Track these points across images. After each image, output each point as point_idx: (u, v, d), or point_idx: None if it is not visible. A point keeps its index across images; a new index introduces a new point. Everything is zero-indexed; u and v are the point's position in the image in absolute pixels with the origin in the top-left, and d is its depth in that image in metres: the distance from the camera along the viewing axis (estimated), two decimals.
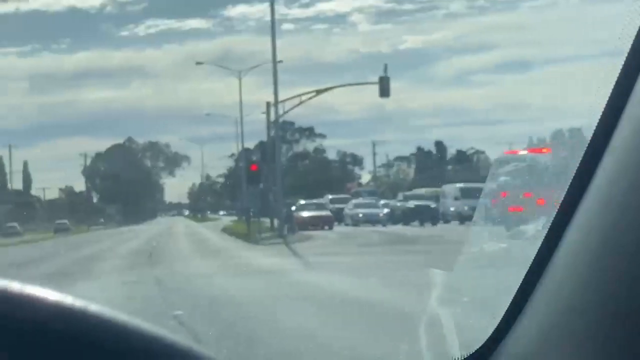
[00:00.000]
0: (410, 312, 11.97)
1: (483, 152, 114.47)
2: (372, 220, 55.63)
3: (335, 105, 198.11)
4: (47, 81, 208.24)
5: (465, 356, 1.96)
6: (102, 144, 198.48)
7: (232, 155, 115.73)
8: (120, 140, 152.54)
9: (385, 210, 58.53)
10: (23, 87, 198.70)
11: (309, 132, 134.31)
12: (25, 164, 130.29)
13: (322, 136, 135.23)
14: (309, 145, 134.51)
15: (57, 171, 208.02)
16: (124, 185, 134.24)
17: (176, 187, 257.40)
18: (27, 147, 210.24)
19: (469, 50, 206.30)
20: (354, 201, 61.35)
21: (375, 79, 42.40)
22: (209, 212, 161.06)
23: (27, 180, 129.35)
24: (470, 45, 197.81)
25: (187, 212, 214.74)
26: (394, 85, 42.94)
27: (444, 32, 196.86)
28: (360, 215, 56.33)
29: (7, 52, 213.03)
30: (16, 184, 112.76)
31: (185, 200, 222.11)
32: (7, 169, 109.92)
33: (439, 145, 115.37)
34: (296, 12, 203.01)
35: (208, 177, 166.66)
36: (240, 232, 46.91)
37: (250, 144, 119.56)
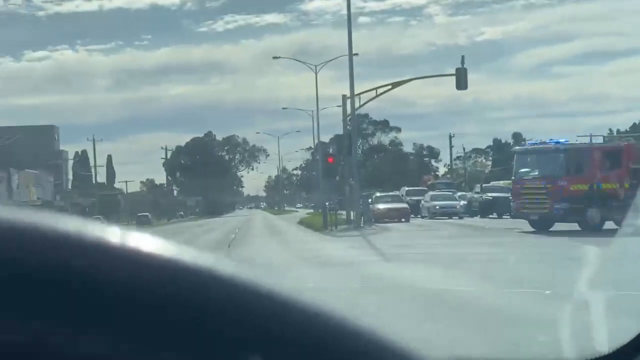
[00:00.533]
0: (495, 304, 11.98)
1: None
2: (448, 212, 55.32)
3: (412, 97, 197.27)
4: (129, 77, 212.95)
5: (611, 352, 1.90)
6: (182, 138, 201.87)
7: (309, 148, 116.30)
8: (200, 134, 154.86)
9: (462, 203, 58.11)
10: (107, 83, 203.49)
11: (384, 124, 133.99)
12: (109, 158, 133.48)
13: (397, 129, 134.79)
14: (385, 138, 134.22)
15: (138, 165, 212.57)
16: (203, 178, 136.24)
17: (254, 180, 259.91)
18: (110, 141, 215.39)
19: (548, 40, 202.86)
20: (430, 193, 61.07)
21: (452, 71, 42.11)
22: (285, 205, 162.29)
23: (110, 173, 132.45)
24: (549, 35, 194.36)
25: (264, 205, 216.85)
26: (471, 77, 42.55)
27: (522, 22, 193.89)
28: (437, 207, 56.06)
29: (91, 50, 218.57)
30: (100, 177, 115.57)
31: (262, 193, 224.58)
32: (91, 163, 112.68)
33: (517, 137, 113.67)
34: (372, 5, 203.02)
35: (285, 170, 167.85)
36: (317, 225, 47.21)
37: (327, 137, 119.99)
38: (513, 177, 36.61)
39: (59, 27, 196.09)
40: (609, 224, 32.34)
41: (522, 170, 35.40)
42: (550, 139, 36.41)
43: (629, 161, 33.65)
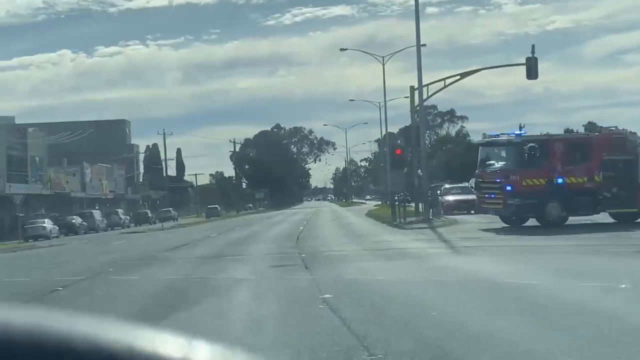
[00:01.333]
0: (572, 300, 11.70)
1: (634, 133, 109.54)
2: None
3: (480, 88, 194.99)
4: (198, 71, 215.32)
5: None
6: (250, 131, 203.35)
7: (377, 139, 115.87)
8: (267, 127, 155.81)
9: None
10: (176, 77, 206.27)
11: (452, 115, 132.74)
12: (179, 151, 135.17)
13: (465, 119, 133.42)
14: (453, 129, 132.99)
15: (207, 157, 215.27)
16: (271, 170, 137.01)
17: (321, 172, 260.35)
18: (180, 134, 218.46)
19: (620, 29, 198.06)
20: None
21: (522, 60, 41.36)
22: (353, 197, 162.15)
23: (180, 166, 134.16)
24: (621, 23, 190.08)
25: (331, 197, 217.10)
26: (541, 66, 41.74)
27: (593, 10, 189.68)
28: None
29: (161, 44, 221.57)
30: (170, 170, 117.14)
31: (329, 185, 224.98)
32: (161, 156, 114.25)
33: (590, 127, 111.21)
34: None
35: (352, 161, 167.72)
36: (385, 216, 47.03)
37: (394, 129, 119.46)
38: (476, 171, 35.46)
39: (130, 23, 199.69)
40: (578, 219, 32.05)
41: (485, 163, 34.26)
42: (515, 132, 34.65)
43: (600, 153, 32.24)
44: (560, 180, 31.80)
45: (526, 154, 32.01)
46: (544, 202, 31.68)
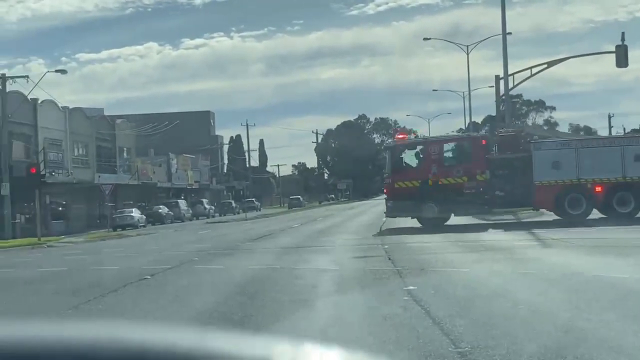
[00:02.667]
0: None
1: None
2: None
3: (568, 76, 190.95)
4: (281, 62, 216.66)
5: None
6: (333, 121, 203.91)
7: (460, 129, 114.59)
8: (350, 117, 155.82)
9: None
10: (260, 69, 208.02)
11: (538, 104, 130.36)
12: (262, 142, 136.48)
13: (552, 108, 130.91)
14: (539, 119, 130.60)
15: (290, 148, 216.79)
16: (353, 161, 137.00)
17: None
18: (263, 125, 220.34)
19: None
20: None
21: (611, 48, 40.31)
22: None
23: (263, 157, 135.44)
24: None
25: None
26: (631, 54, 40.59)
27: None
28: None
29: (245, 36, 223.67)
30: (253, 161, 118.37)
31: None
32: (245, 147, 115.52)
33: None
34: None
35: None
36: None
37: (478, 119, 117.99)
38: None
39: (214, 15, 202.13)
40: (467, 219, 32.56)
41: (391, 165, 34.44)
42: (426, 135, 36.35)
43: (482, 152, 32.42)
44: (435, 182, 32.27)
45: (399, 158, 33.26)
46: (419, 203, 32.15)
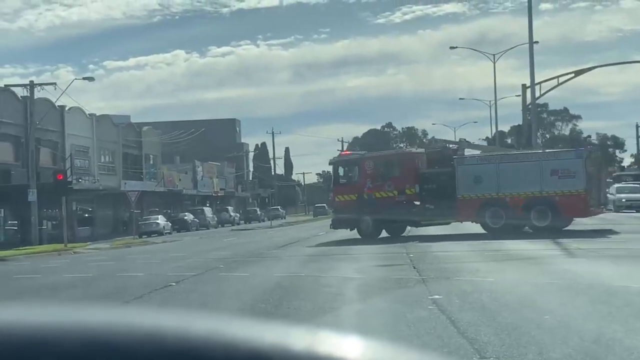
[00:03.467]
0: None
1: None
2: (636, 205, 52.74)
3: (595, 86, 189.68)
4: (307, 70, 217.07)
5: None
6: (359, 129, 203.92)
7: (486, 138, 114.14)
8: (376, 126, 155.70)
9: None
10: (286, 77, 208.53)
11: (565, 114, 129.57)
12: (287, 150, 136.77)
13: (579, 117, 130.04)
14: (566, 128, 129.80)
15: (316, 156, 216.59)
16: None
17: None
18: (289, 133, 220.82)
19: None
20: (616, 185, 58.38)
21: (639, 57, 40.03)
22: None
23: (288, 165, 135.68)
24: None
25: None
26: None
27: None
28: (623, 200, 53.55)
29: (272, 44, 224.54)
30: (278, 169, 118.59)
31: None
32: (270, 155, 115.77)
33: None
34: None
35: None
36: None
37: (505, 128, 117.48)
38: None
39: (241, 23, 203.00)
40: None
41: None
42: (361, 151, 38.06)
43: (410, 168, 33.73)
44: (370, 195, 33.67)
45: (340, 173, 35.12)
46: (357, 216, 33.69)
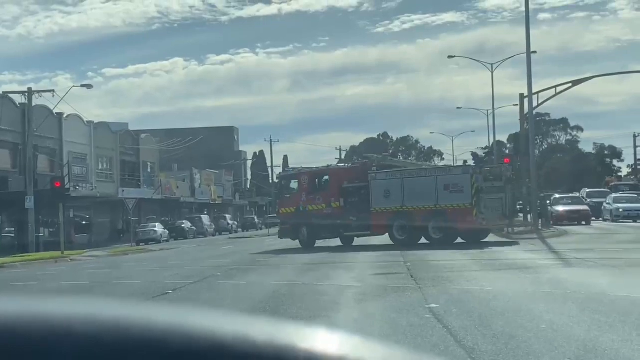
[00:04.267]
0: None
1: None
2: (633, 215, 52.80)
3: (593, 96, 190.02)
4: (306, 79, 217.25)
5: None
6: (357, 138, 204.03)
7: (484, 147, 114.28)
8: (374, 135, 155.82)
9: None
10: (285, 85, 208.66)
11: (563, 124, 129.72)
12: (285, 158, 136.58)
13: (578, 128, 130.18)
14: (563, 138, 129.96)
15: (314, 165, 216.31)
16: None
17: None
18: (287, 141, 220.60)
19: None
20: (613, 195, 58.47)
21: (638, 67, 40.12)
22: None
23: None
24: None
25: None
26: None
27: None
28: (621, 210, 53.61)
29: (271, 52, 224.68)
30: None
31: None
32: (268, 163, 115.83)
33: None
34: (553, 0, 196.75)
35: None
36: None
37: (503, 137, 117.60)
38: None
39: (240, 31, 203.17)
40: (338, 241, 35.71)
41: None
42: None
43: (336, 183, 36.10)
44: (305, 208, 36.58)
45: (284, 187, 38.84)
46: (297, 227, 37.08)
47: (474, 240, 32.69)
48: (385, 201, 34.69)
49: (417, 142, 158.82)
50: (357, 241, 36.07)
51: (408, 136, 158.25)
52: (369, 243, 35.38)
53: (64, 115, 60.08)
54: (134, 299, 16.26)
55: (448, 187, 33.47)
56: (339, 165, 42.03)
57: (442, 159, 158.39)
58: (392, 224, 34.41)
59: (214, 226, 79.69)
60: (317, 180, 37.20)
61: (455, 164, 34.77)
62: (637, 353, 8.57)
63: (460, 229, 33.15)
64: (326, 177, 37.09)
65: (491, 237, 36.13)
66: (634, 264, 20.85)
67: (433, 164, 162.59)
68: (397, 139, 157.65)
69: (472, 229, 33.22)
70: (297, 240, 37.03)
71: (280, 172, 40.47)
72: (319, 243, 36.93)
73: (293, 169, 41.42)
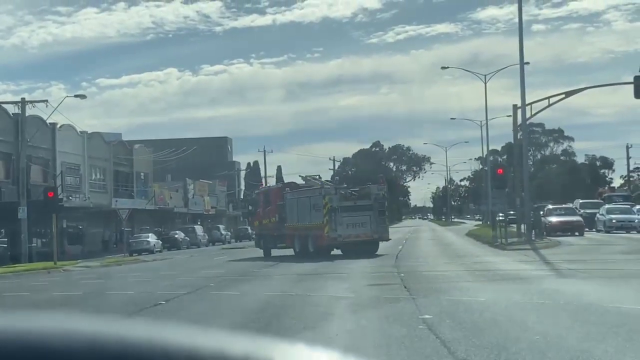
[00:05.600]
0: None
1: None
2: (626, 226, 52.89)
3: (586, 107, 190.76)
4: (300, 89, 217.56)
5: None
6: (351, 148, 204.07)
7: (478, 158, 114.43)
8: (368, 145, 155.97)
9: None
10: (279, 95, 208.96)
11: (557, 134, 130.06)
12: (279, 169, 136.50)
13: (570, 139, 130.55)
14: (557, 148, 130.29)
15: (307, 174, 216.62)
16: None
17: (420, 191, 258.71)
18: (281, 151, 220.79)
19: None
20: (606, 206, 58.58)
21: (631, 79, 40.19)
22: (453, 216, 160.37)
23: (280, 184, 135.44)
24: None
25: (430, 216, 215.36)
26: None
27: None
28: (614, 221, 53.69)
29: (265, 63, 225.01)
30: None
31: (429, 203, 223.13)
32: (262, 173, 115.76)
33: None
34: (547, 12, 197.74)
35: (452, 181, 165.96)
36: (486, 237, 46.31)
37: (496, 147, 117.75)
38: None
39: (234, 42, 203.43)
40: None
41: None
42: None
43: (275, 201, 40.93)
44: (260, 222, 42.70)
45: (254, 203, 44.70)
46: (258, 238, 44.19)
47: (368, 253, 35.09)
48: (290, 218, 39.66)
49: (409, 149, 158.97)
50: (346, 252, 36.14)
51: (400, 144, 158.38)
52: (359, 255, 35.34)
53: (58, 126, 59.98)
54: (126, 310, 16.21)
55: (315, 206, 37.86)
56: (278, 185, 47.35)
57: (431, 166, 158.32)
58: (293, 238, 39.37)
59: (207, 236, 79.53)
60: (267, 198, 42.45)
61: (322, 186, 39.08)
62: None
63: (317, 244, 37.16)
64: (270, 196, 42.32)
65: (484, 248, 36.18)
66: (627, 275, 20.88)
67: (423, 172, 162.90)
68: (390, 147, 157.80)
69: (320, 243, 37.18)
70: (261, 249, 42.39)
71: (254, 192, 47.40)
72: (274, 252, 40.99)
73: (263, 188, 48.15)
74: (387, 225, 40.72)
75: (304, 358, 0.94)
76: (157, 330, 0.89)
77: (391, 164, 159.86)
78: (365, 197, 37.64)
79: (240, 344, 0.91)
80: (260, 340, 0.95)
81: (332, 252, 37.06)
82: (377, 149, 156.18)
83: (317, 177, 44.08)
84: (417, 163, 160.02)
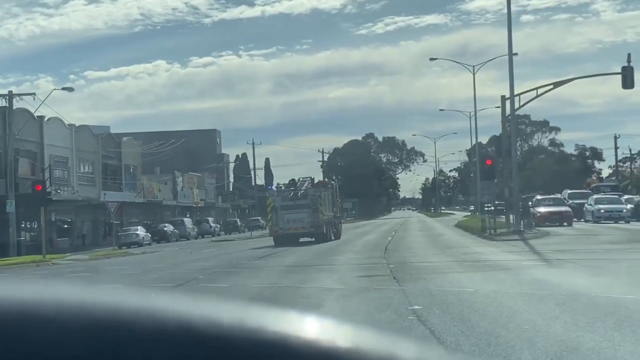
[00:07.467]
0: None
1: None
2: (614, 216, 53.12)
3: (575, 97, 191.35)
4: (289, 81, 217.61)
5: None
6: (340, 140, 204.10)
7: (467, 149, 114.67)
8: (357, 137, 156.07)
9: (629, 206, 55.63)
10: (268, 87, 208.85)
11: (544, 125, 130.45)
12: (267, 161, 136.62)
13: (558, 129, 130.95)
14: (545, 139, 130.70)
15: (296, 167, 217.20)
16: (360, 180, 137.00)
17: (410, 182, 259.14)
18: (270, 144, 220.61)
19: None
20: (594, 196, 58.80)
21: (619, 69, 40.31)
22: (442, 207, 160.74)
23: (268, 176, 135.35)
24: None
25: (420, 207, 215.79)
26: (638, 75, 40.54)
27: None
28: (602, 211, 53.92)
29: (254, 55, 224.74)
30: (259, 180, 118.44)
31: (418, 195, 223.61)
32: (251, 166, 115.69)
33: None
34: (536, 2, 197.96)
35: (441, 172, 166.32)
36: (475, 228, 46.44)
37: (485, 139, 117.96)
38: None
39: (223, 34, 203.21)
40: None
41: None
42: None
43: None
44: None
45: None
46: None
47: (320, 242, 41.82)
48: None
49: (402, 142, 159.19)
50: (336, 243, 36.24)
51: (393, 137, 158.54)
52: (350, 245, 35.36)
53: (45, 119, 59.74)
54: None
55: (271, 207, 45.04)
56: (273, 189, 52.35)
57: (425, 160, 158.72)
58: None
59: (196, 229, 79.49)
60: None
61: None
62: (618, 352, 8.62)
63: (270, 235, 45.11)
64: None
65: (473, 239, 36.24)
66: (615, 265, 20.98)
67: (415, 165, 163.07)
68: (383, 139, 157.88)
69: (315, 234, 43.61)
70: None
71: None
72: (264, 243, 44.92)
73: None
74: (335, 223, 47.81)
75: (299, 324, 0.96)
76: (147, 298, 0.90)
77: (382, 155, 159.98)
78: (303, 198, 44.56)
79: (233, 311, 0.93)
80: (251, 308, 0.97)
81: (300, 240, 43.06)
82: (370, 140, 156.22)
83: (309, 178, 49.23)
84: (408, 156, 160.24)
